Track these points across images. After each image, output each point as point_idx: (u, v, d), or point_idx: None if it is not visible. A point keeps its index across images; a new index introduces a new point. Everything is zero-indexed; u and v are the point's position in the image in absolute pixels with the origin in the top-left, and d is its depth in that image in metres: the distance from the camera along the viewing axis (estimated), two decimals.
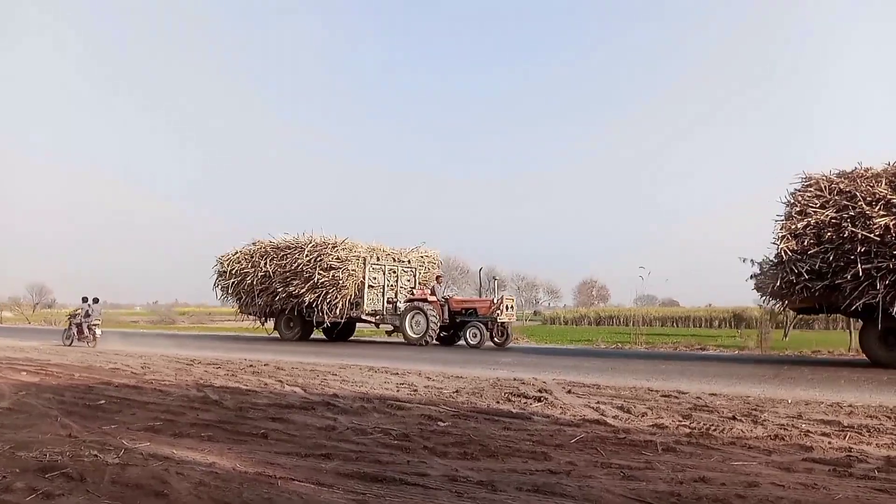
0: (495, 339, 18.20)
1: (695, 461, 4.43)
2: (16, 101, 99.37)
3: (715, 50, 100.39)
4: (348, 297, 19.83)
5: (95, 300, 18.06)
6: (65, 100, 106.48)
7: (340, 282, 19.50)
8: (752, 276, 13.47)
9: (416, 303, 19.10)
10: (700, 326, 47.25)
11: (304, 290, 19.79)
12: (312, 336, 21.81)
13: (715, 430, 5.53)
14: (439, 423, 5.88)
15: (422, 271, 21.86)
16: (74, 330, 17.74)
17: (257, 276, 20.78)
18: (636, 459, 4.47)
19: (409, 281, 21.46)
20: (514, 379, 9.16)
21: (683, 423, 5.89)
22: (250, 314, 22.29)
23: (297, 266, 20.06)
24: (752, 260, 13.58)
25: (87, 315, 17.53)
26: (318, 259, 19.82)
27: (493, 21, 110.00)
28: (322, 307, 19.63)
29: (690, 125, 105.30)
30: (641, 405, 6.83)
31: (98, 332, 17.66)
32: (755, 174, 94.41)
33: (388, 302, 20.42)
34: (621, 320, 49.87)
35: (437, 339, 18.94)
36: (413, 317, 18.89)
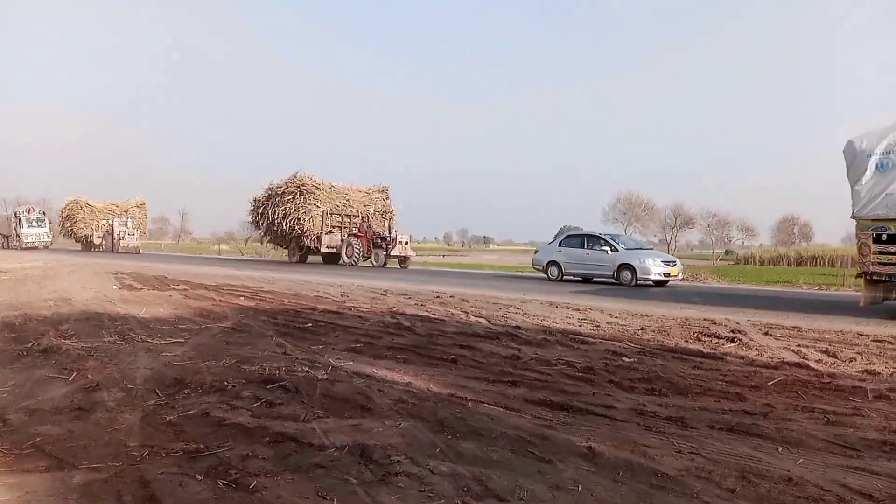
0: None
1: None
2: None
3: None
4: None
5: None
6: None
7: None
8: None
9: None
10: None
11: None
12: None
13: None
14: (624, 358, 5.84)
15: None
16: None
17: None
18: (842, 405, 4.17)
19: None
20: (704, 319, 8.78)
21: None
22: None
23: None
24: None
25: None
26: None
27: None
28: None
29: None
30: (849, 350, 6.29)
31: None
32: None
33: None
34: (826, 261, 45.14)
35: None
36: None
